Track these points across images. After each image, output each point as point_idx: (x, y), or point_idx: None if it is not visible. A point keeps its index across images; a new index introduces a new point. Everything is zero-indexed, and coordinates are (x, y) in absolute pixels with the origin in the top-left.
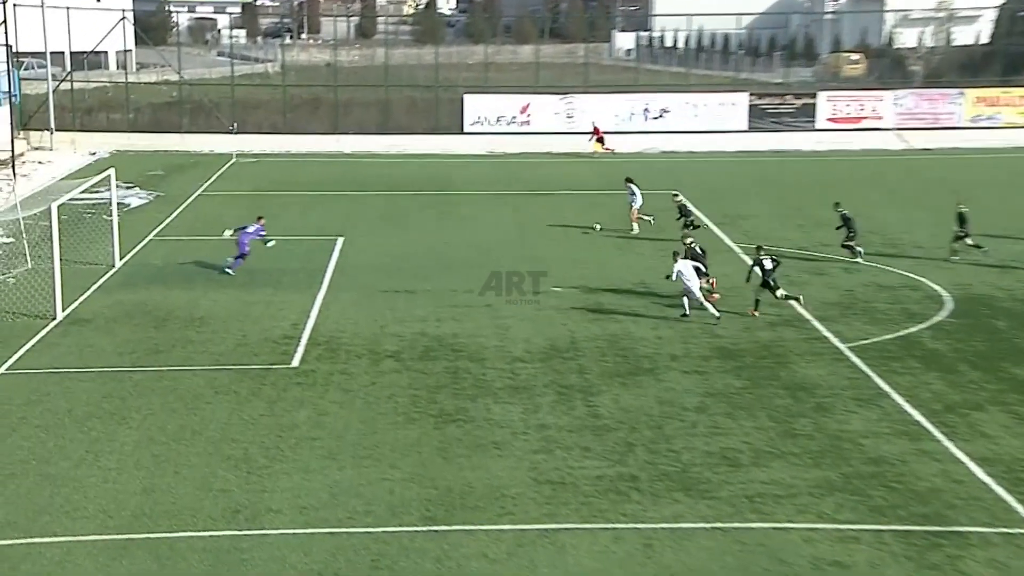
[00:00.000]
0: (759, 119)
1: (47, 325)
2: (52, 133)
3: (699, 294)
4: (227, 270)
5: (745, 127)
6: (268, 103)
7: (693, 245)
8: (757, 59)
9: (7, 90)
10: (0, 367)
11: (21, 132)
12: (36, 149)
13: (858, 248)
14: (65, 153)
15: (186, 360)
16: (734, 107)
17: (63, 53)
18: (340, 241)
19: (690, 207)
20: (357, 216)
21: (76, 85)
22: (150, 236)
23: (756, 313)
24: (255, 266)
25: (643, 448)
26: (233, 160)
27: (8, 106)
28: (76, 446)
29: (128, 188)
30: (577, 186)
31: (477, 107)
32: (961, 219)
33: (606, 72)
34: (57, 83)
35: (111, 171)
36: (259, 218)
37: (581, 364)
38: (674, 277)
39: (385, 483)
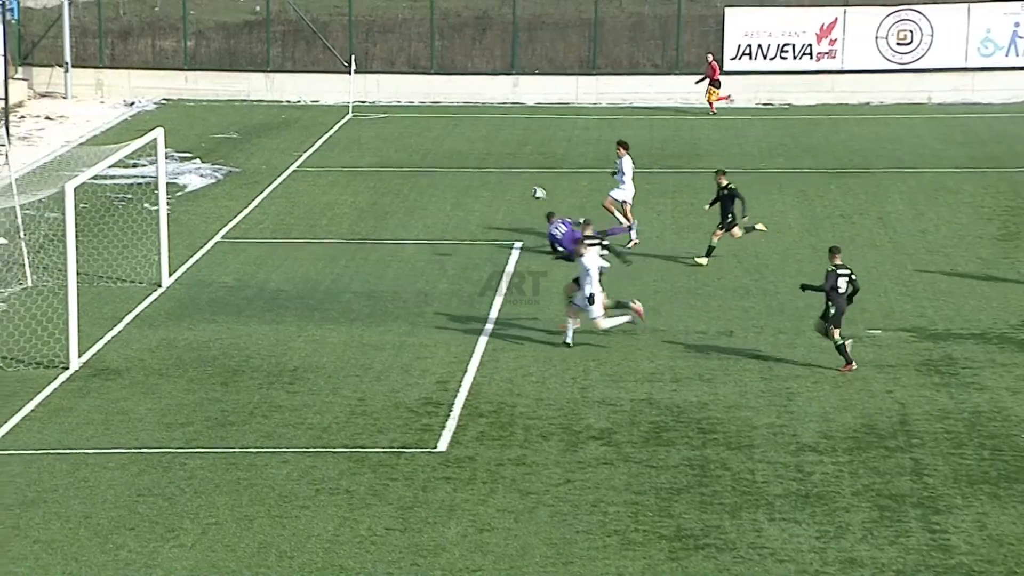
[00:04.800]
0: None
1: (55, 378)
2: (68, 71)
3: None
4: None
5: None
6: (405, 25)
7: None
8: None
9: None
10: None
11: (19, 69)
12: (42, 96)
13: None
14: (87, 103)
15: (271, 438)
16: None
17: None
18: (517, 248)
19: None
20: (546, 208)
21: None
22: (217, 237)
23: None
24: (378, 288)
25: None
26: (348, 116)
27: None
28: (96, 575)
29: (184, 160)
30: (914, 157)
31: (746, 29)
32: None
33: None
34: None
35: (158, 133)
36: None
37: (918, 460)
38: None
39: None
